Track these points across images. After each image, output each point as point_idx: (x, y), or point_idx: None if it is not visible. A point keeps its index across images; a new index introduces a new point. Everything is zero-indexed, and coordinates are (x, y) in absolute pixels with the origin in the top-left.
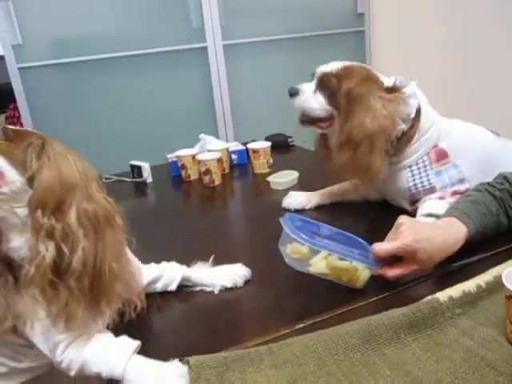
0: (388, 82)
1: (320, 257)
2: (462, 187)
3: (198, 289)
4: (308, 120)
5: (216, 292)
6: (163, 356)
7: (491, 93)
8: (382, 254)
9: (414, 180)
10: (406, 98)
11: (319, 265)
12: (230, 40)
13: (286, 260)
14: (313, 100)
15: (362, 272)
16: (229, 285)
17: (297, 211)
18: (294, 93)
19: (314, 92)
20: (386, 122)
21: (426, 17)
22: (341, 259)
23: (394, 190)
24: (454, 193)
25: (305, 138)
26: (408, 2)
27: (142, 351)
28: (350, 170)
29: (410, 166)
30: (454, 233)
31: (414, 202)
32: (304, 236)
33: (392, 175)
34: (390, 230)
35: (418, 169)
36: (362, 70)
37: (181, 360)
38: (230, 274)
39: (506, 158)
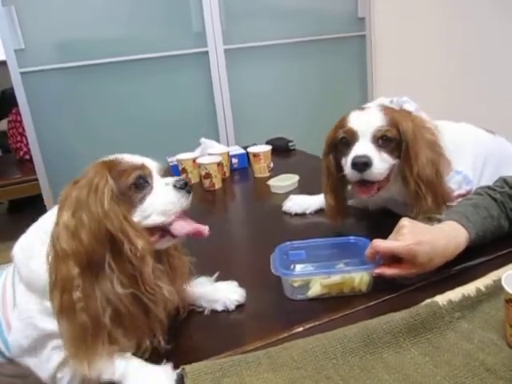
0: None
1: (314, 280)
2: (466, 190)
3: (184, 311)
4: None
5: (206, 313)
6: (161, 360)
7: (493, 95)
8: (380, 249)
9: None
10: (421, 115)
11: (315, 288)
12: (231, 44)
13: (288, 294)
14: (383, 163)
15: (362, 278)
16: (219, 309)
17: (297, 215)
18: (368, 163)
19: (379, 153)
20: (439, 147)
21: (426, 21)
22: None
23: (401, 204)
24: (459, 196)
25: (305, 142)
26: (408, 6)
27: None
28: (435, 207)
29: None
30: (456, 237)
31: None
32: (283, 271)
33: (401, 192)
34: (390, 232)
35: None
36: (392, 107)
37: (182, 369)
38: (223, 298)
39: (498, 156)
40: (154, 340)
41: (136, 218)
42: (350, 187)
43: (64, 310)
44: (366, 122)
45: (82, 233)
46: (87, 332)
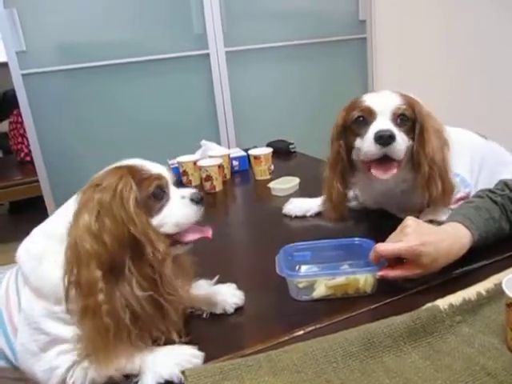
0: None
1: (319, 281)
2: (465, 192)
3: (188, 310)
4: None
5: (204, 316)
6: None
7: (494, 96)
8: (385, 254)
9: None
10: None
11: (319, 289)
12: (232, 47)
13: (294, 294)
14: (403, 141)
15: (366, 279)
16: (218, 312)
17: (297, 217)
18: (393, 136)
19: (399, 131)
20: (445, 137)
21: (427, 24)
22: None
23: (401, 206)
24: (460, 199)
25: (306, 145)
26: (409, 8)
27: None
28: (442, 196)
29: None
30: (459, 238)
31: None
32: (289, 272)
33: (406, 179)
34: (390, 233)
35: None
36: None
37: (182, 373)
38: (221, 302)
39: (493, 160)
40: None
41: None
42: (354, 181)
43: (89, 312)
44: (383, 100)
45: (104, 236)
46: (110, 334)
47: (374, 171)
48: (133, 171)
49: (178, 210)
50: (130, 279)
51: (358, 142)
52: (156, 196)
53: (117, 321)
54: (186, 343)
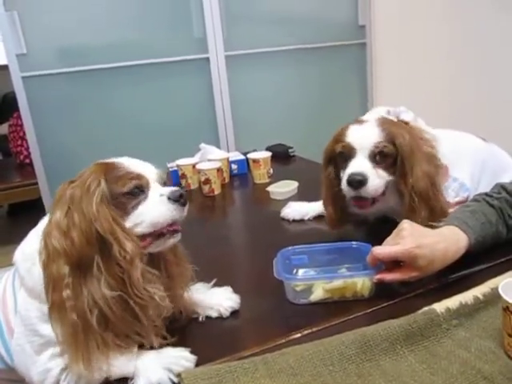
0: (394, 117)
1: (317, 284)
2: (463, 197)
3: (184, 314)
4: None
5: (201, 320)
6: None
7: (494, 97)
8: (381, 257)
9: None
10: (418, 125)
11: (317, 292)
12: (232, 51)
13: (291, 298)
14: (379, 179)
15: (364, 283)
16: (214, 315)
17: (296, 221)
18: (363, 181)
19: (374, 169)
20: (436, 159)
21: (427, 28)
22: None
23: (400, 211)
24: (458, 203)
25: (305, 149)
26: (408, 14)
27: None
28: (427, 220)
29: None
30: (456, 241)
31: None
32: (286, 275)
33: (399, 203)
34: (387, 237)
35: None
36: (389, 120)
37: (178, 375)
38: (217, 305)
39: (494, 163)
40: (152, 344)
41: (128, 224)
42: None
43: (55, 307)
44: (363, 137)
45: (73, 232)
46: (78, 330)
47: (351, 206)
48: (109, 168)
49: (153, 209)
50: (99, 277)
51: (342, 174)
52: (131, 194)
53: (83, 319)
54: (179, 345)
